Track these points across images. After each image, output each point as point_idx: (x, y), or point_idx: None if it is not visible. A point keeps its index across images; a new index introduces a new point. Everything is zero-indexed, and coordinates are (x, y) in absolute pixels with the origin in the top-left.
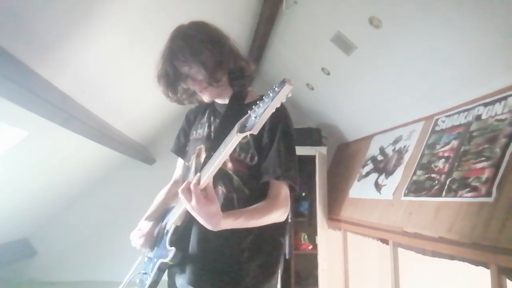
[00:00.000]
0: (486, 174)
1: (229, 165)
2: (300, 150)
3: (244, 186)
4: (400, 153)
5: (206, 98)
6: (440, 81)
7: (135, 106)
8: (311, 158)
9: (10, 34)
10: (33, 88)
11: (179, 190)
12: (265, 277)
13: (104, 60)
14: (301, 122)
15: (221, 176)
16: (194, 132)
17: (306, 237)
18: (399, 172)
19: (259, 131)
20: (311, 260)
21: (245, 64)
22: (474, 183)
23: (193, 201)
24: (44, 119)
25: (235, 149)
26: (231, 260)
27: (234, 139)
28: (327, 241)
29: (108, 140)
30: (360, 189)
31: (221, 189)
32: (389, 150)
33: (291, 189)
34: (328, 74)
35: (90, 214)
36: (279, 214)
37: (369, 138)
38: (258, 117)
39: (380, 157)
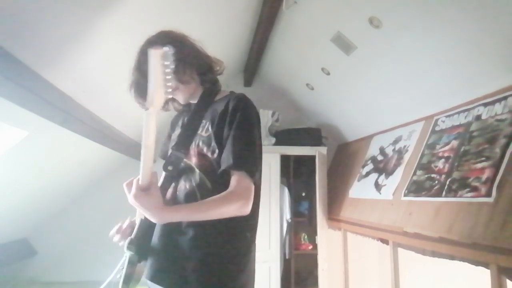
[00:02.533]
0: (486, 174)
1: (194, 159)
2: (300, 150)
3: (206, 179)
4: (400, 153)
5: (180, 99)
6: (440, 81)
7: (135, 106)
8: (311, 158)
9: (10, 34)
10: (33, 88)
11: (124, 184)
12: (229, 274)
13: (104, 60)
14: (301, 122)
15: (185, 170)
16: (173, 135)
17: (306, 237)
18: (399, 172)
19: (219, 123)
20: (311, 260)
21: (213, 62)
22: (474, 183)
23: (131, 194)
24: (44, 119)
25: (198, 144)
26: (191, 256)
27: (144, 118)
28: (327, 241)
29: (108, 140)
30: (360, 189)
31: (183, 184)
32: (389, 150)
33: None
34: (328, 74)
35: (90, 214)
36: (236, 207)
37: (369, 138)
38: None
39: (380, 157)
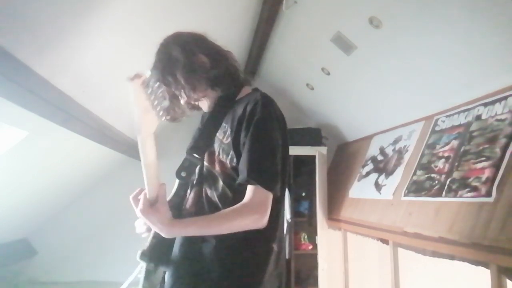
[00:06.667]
0: (486, 174)
1: (216, 166)
2: (300, 150)
3: (227, 188)
4: (400, 153)
5: (204, 108)
6: (440, 81)
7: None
8: (311, 158)
9: (10, 34)
10: (33, 88)
11: (130, 197)
12: (251, 284)
13: (104, 60)
14: (301, 122)
15: (208, 177)
16: None
17: (306, 237)
18: (399, 172)
19: (237, 130)
20: (311, 260)
21: (230, 64)
22: (474, 183)
23: (138, 209)
24: (44, 119)
25: (219, 152)
26: (214, 267)
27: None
28: (327, 241)
29: (108, 140)
30: (360, 189)
31: (205, 190)
32: (389, 150)
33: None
34: (328, 74)
35: (90, 214)
36: (250, 221)
37: (369, 138)
38: None
39: (380, 157)
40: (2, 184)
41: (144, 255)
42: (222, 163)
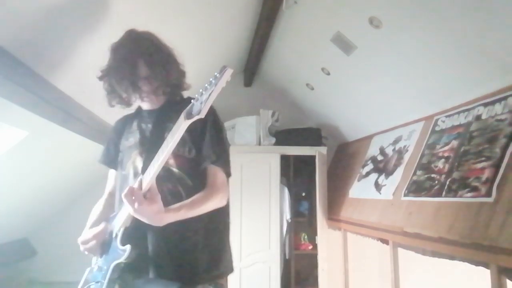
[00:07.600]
0: (486, 174)
1: (171, 161)
2: (300, 150)
3: (187, 178)
4: (400, 153)
5: (145, 104)
6: (440, 81)
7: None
8: (311, 158)
9: (10, 34)
10: (33, 88)
11: (123, 195)
12: (219, 257)
13: (104, 60)
14: (301, 122)
15: (164, 172)
16: (125, 141)
17: (306, 237)
18: (399, 172)
19: (192, 126)
20: (311, 260)
21: (184, 78)
22: (474, 183)
23: (136, 204)
24: (44, 119)
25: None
26: (189, 250)
27: (182, 126)
28: (327, 241)
29: None
30: (360, 189)
31: (165, 185)
32: (389, 150)
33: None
34: (328, 74)
35: (90, 214)
36: (218, 200)
37: (369, 138)
38: (204, 102)
39: (380, 157)
40: (2, 184)
41: (132, 255)
42: (178, 157)
